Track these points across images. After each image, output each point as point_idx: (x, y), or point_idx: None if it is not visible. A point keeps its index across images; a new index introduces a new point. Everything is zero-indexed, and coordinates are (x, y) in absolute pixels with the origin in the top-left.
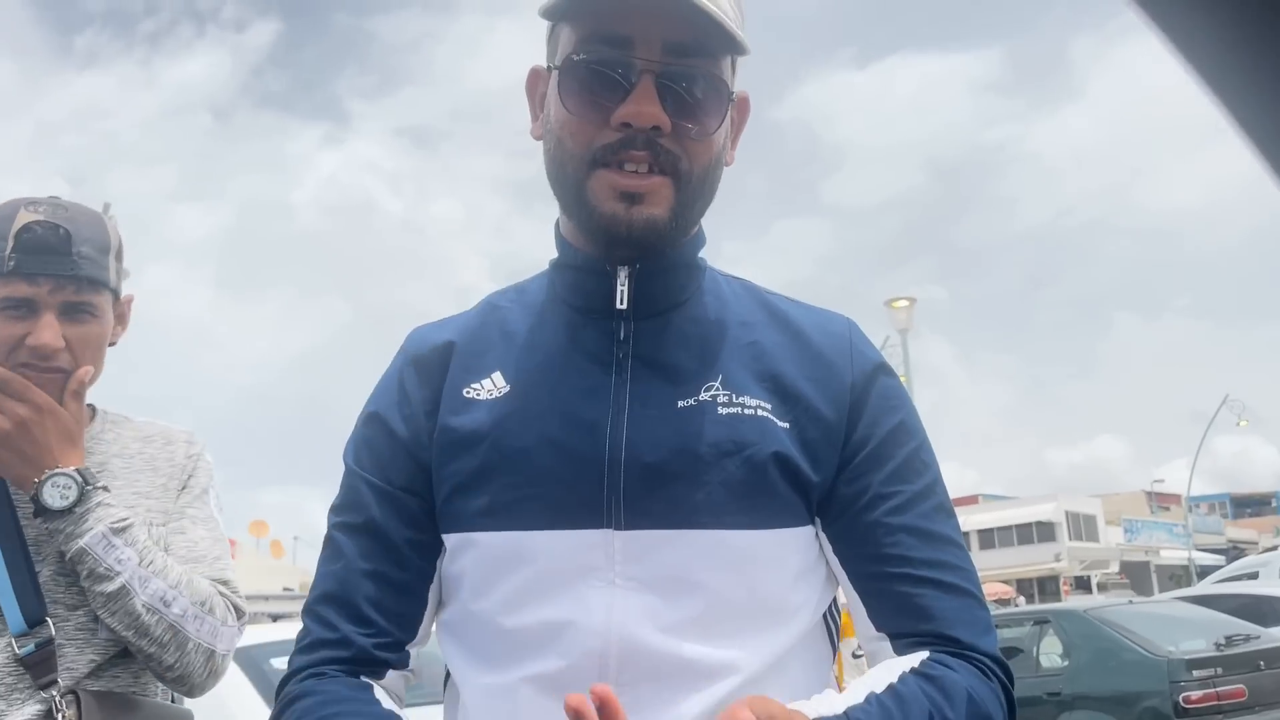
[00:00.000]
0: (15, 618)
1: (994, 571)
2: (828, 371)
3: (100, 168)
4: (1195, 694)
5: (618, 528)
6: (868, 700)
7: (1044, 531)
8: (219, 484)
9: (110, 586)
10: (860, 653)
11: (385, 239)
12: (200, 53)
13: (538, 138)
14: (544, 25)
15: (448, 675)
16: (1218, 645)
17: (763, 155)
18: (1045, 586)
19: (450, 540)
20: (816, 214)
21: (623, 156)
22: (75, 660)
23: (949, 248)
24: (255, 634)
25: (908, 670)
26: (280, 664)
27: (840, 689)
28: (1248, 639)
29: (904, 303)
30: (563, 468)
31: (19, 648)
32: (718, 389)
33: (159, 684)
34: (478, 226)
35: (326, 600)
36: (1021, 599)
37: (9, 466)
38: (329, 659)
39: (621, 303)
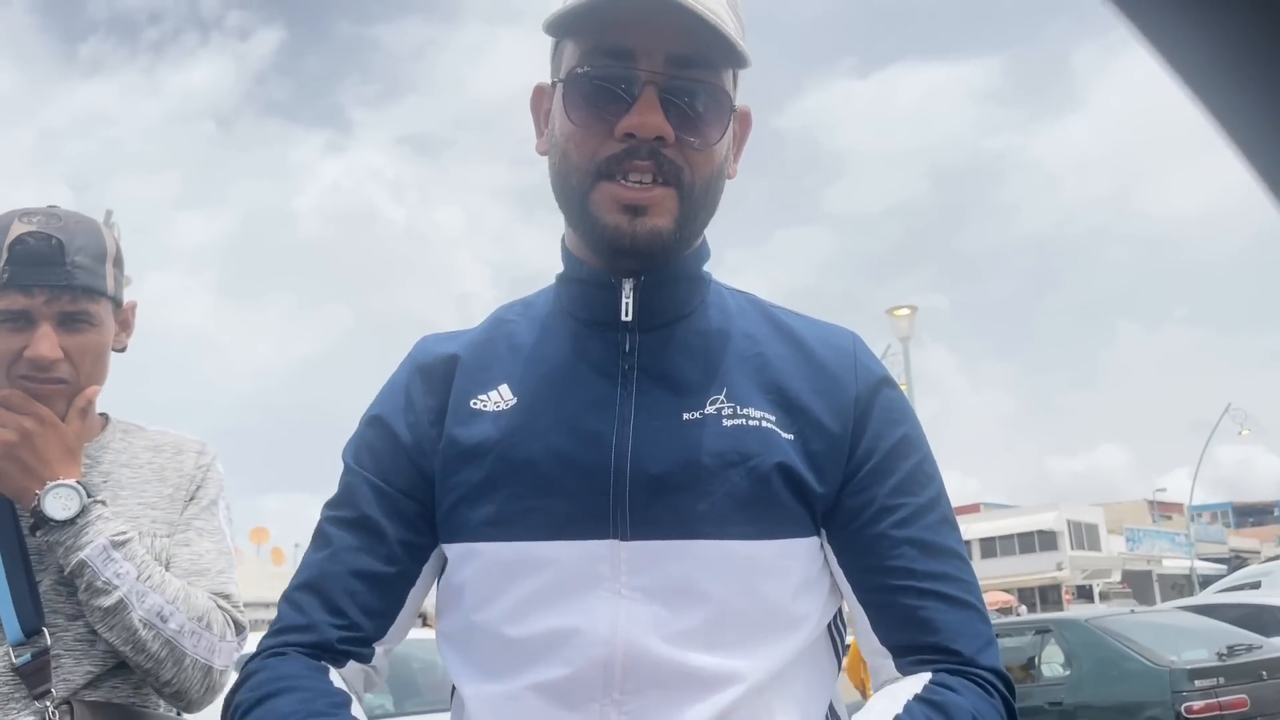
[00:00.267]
0: (13, 627)
1: (995, 580)
2: (832, 384)
3: (104, 175)
4: (1197, 704)
5: (623, 538)
6: None
7: (1046, 540)
8: (229, 494)
9: (108, 601)
10: None
11: (387, 247)
12: (204, 60)
13: (542, 153)
14: (546, 36)
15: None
16: (1220, 655)
17: (765, 163)
18: (1047, 595)
19: (452, 550)
20: (818, 222)
21: (627, 167)
22: (72, 671)
23: (950, 256)
24: (256, 642)
25: (911, 698)
26: None
27: (866, 691)
28: (1250, 649)
29: (905, 311)
30: (569, 479)
31: (15, 657)
32: (722, 401)
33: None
34: (480, 234)
35: (304, 588)
36: (1023, 608)
37: (11, 478)
38: (292, 642)
39: (626, 315)
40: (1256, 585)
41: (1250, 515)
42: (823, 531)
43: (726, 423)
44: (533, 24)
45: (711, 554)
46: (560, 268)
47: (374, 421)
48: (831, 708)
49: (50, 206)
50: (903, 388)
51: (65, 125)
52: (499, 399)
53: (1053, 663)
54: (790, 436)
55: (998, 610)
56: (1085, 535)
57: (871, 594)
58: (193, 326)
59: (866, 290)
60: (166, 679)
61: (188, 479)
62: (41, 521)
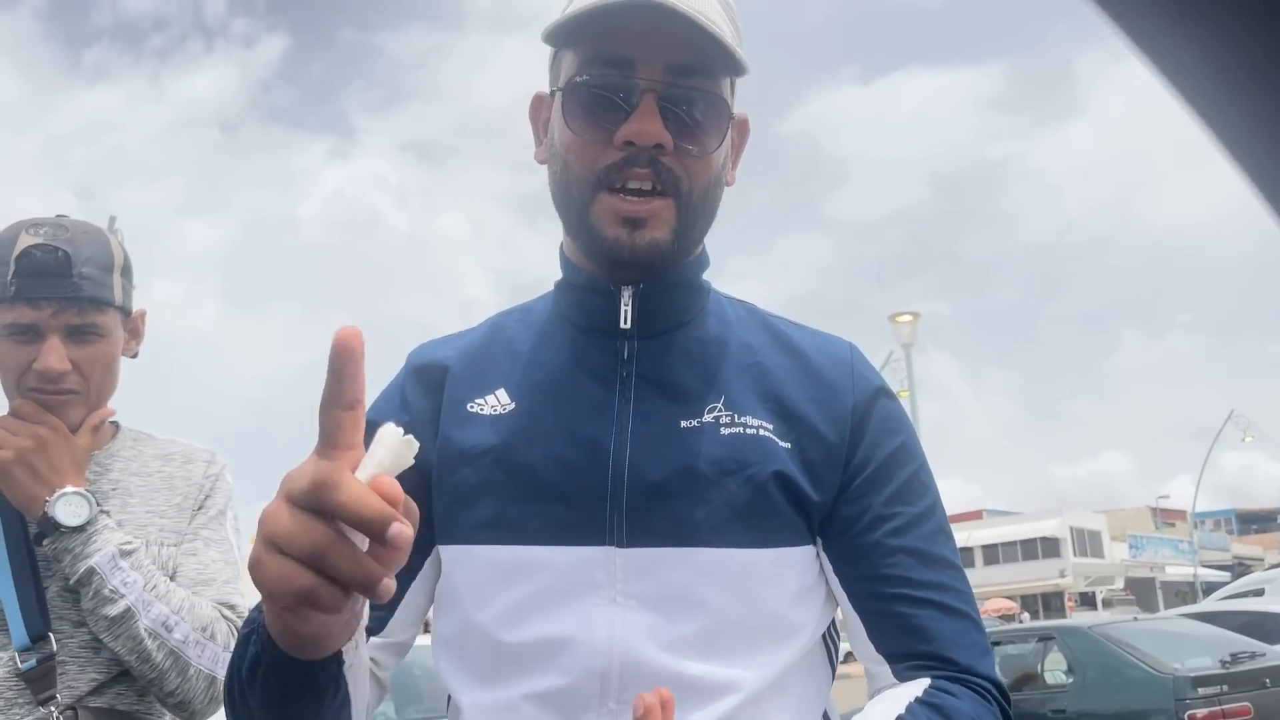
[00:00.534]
0: (19, 632)
1: (998, 587)
2: (829, 394)
3: (108, 181)
4: (1201, 712)
5: (620, 545)
6: None
7: (1049, 547)
8: (238, 504)
9: (114, 609)
10: None
11: (390, 253)
12: (208, 68)
13: (542, 162)
14: (546, 45)
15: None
16: (1223, 662)
17: (767, 170)
18: (1050, 602)
19: (449, 552)
20: (820, 229)
21: (626, 175)
22: (77, 678)
23: (952, 263)
24: None
25: (913, 700)
26: None
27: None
28: (1254, 656)
29: (907, 317)
30: (566, 484)
31: (21, 662)
32: (720, 409)
33: None
34: (482, 240)
35: None
36: (1026, 615)
37: (22, 484)
38: None
39: (625, 322)
40: (1260, 592)
41: (1254, 522)
42: (818, 540)
43: (724, 431)
44: (535, 31)
45: (708, 562)
46: (559, 274)
47: (369, 427)
48: (826, 716)
49: (58, 217)
50: (905, 394)
51: (70, 132)
52: (496, 403)
53: (1056, 670)
54: (787, 445)
55: (1001, 617)
56: (1088, 542)
57: (867, 602)
58: (196, 332)
59: (868, 296)
60: (170, 689)
61: (196, 488)
62: (50, 528)
